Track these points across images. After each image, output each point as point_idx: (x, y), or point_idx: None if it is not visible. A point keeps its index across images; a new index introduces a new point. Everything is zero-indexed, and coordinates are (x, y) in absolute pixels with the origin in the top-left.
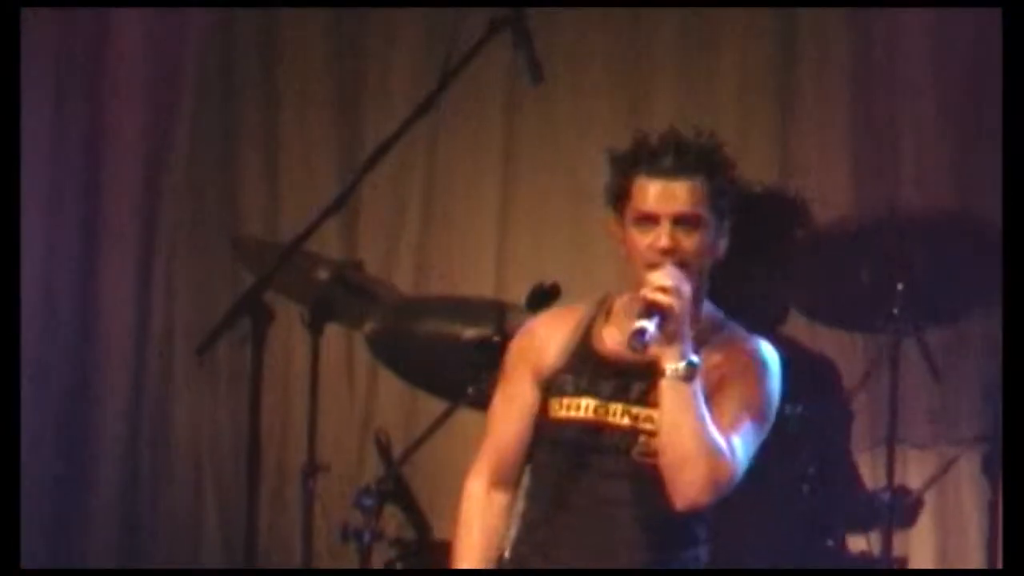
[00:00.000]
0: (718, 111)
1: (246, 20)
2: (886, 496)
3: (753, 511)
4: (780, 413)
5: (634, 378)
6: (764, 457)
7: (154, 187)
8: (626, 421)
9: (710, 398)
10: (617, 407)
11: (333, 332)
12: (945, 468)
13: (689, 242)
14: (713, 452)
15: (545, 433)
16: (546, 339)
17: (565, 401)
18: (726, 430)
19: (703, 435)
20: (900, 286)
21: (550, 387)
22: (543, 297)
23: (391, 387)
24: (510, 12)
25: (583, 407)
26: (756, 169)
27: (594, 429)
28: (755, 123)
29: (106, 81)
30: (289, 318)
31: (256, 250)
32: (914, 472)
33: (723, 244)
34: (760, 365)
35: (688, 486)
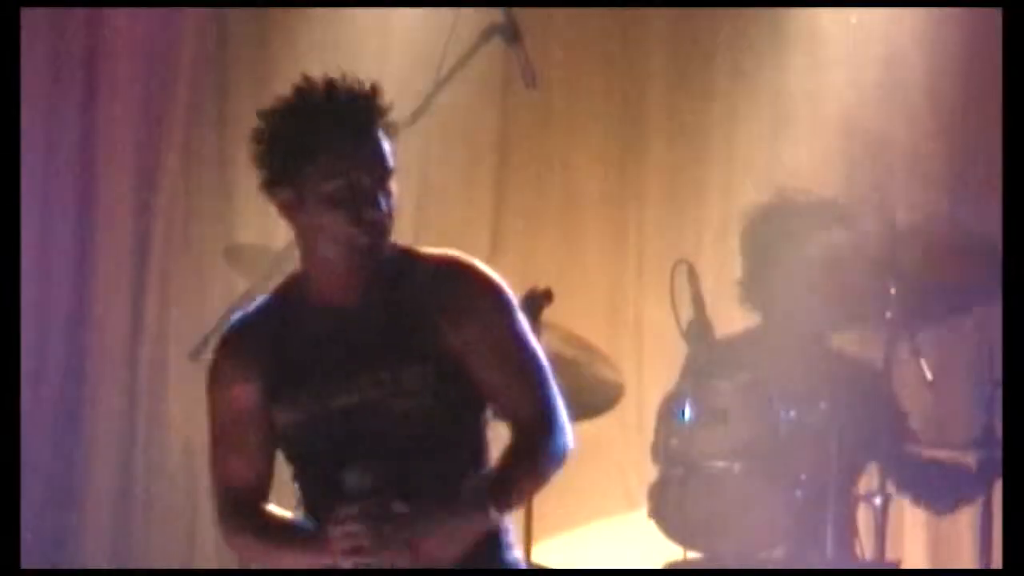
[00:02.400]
0: (710, 113)
1: (240, 23)
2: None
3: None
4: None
5: None
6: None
7: (149, 191)
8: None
9: (468, 354)
10: None
11: None
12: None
13: None
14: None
15: None
16: None
17: None
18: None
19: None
20: (893, 290)
21: None
22: (536, 302)
23: None
24: (502, 20)
25: None
26: (747, 171)
27: None
28: (747, 126)
29: (100, 87)
30: None
31: (250, 255)
32: None
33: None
34: (487, 290)
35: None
